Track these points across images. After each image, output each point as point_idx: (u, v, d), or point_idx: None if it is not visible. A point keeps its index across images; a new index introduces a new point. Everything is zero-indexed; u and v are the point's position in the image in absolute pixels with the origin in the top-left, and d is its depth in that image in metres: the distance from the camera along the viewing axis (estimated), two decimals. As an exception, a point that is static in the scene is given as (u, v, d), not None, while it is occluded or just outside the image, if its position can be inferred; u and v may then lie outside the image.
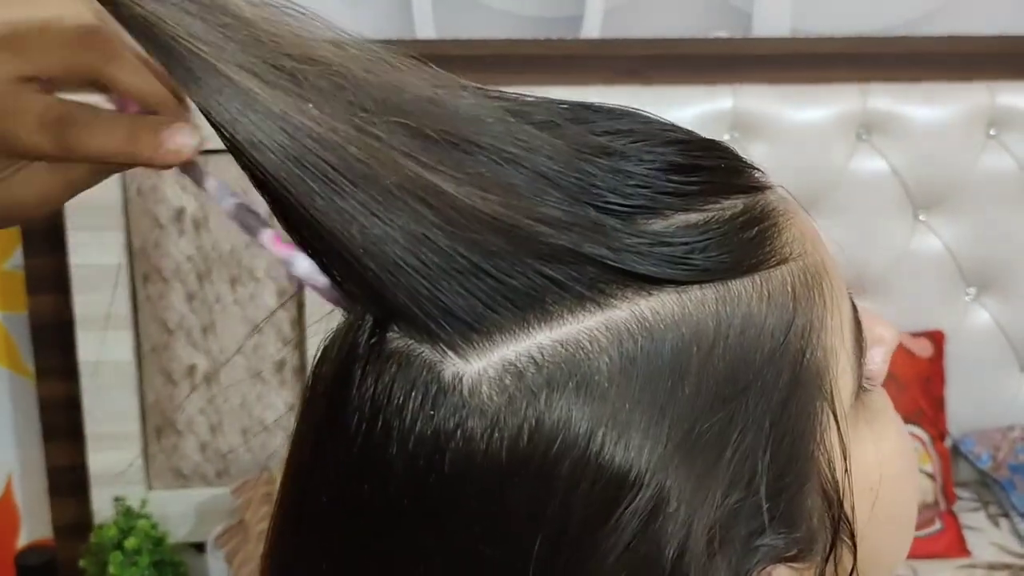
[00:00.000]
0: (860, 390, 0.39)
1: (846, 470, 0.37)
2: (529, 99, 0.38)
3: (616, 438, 0.33)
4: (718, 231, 0.35)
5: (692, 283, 0.35)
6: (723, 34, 1.74)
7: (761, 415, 0.35)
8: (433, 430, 0.33)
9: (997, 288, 1.80)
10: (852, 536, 0.38)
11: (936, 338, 1.77)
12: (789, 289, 0.37)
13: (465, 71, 1.59)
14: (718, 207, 0.36)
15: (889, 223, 1.75)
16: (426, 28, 1.68)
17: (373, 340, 0.34)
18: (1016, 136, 1.74)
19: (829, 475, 0.37)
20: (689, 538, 0.34)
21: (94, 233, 1.60)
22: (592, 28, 1.71)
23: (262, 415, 1.71)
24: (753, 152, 1.69)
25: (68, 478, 1.69)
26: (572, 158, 0.35)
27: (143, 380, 1.67)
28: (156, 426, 1.70)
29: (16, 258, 1.70)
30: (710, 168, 0.37)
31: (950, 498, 1.73)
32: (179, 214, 1.63)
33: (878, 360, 0.40)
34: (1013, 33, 1.78)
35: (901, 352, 1.74)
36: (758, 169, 0.39)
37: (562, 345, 0.33)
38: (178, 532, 1.70)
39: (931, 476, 1.71)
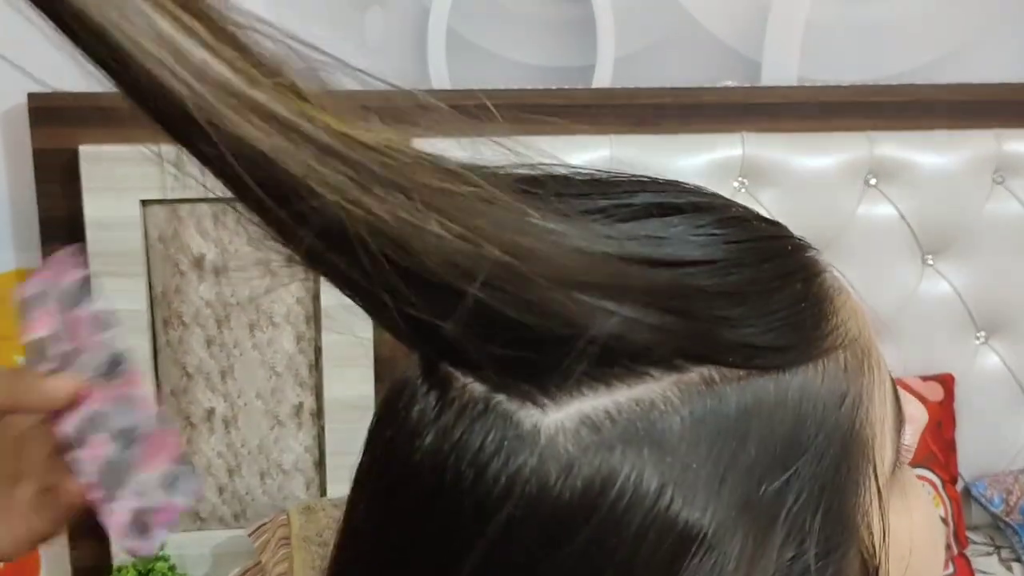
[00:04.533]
0: (897, 462, 0.41)
1: (884, 538, 0.39)
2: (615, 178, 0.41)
3: (684, 495, 0.34)
4: (786, 321, 0.37)
5: (762, 368, 0.37)
6: (732, 83, 1.77)
7: (814, 480, 0.37)
8: (509, 475, 0.34)
9: (1006, 331, 1.81)
10: None
11: (946, 381, 1.77)
12: (842, 364, 0.39)
13: (479, 120, 1.62)
14: (784, 295, 0.38)
15: (898, 268, 1.77)
16: (441, 78, 1.72)
17: (445, 388, 0.36)
18: (1022, 182, 1.76)
19: (868, 542, 0.39)
20: None
21: (116, 279, 1.63)
22: (603, 77, 1.74)
23: (279, 458, 1.73)
24: (762, 199, 1.71)
25: (87, 520, 1.71)
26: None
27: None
28: (175, 469, 1.72)
29: (40, 304, 1.73)
30: (782, 255, 0.39)
31: (962, 542, 1.73)
32: (199, 260, 1.66)
33: (908, 437, 0.42)
34: (1018, 81, 1.80)
35: (912, 396, 1.75)
36: (815, 249, 0.41)
37: (637, 403, 0.35)
38: (196, 574, 1.71)
39: (943, 520, 1.71)
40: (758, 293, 0.37)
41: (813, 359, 0.38)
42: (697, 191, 0.41)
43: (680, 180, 0.42)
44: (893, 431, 0.40)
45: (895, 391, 0.42)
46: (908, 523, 0.41)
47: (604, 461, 0.34)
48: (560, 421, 0.34)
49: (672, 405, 0.35)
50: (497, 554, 0.35)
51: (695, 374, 0.36)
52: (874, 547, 0.39)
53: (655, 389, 0.35)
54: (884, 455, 0.40)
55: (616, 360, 0.35)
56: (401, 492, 0.37)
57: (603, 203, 0.39)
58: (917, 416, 0.44)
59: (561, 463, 0.34)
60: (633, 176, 0.42)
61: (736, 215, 0.40)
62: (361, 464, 0.39)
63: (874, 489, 0.39)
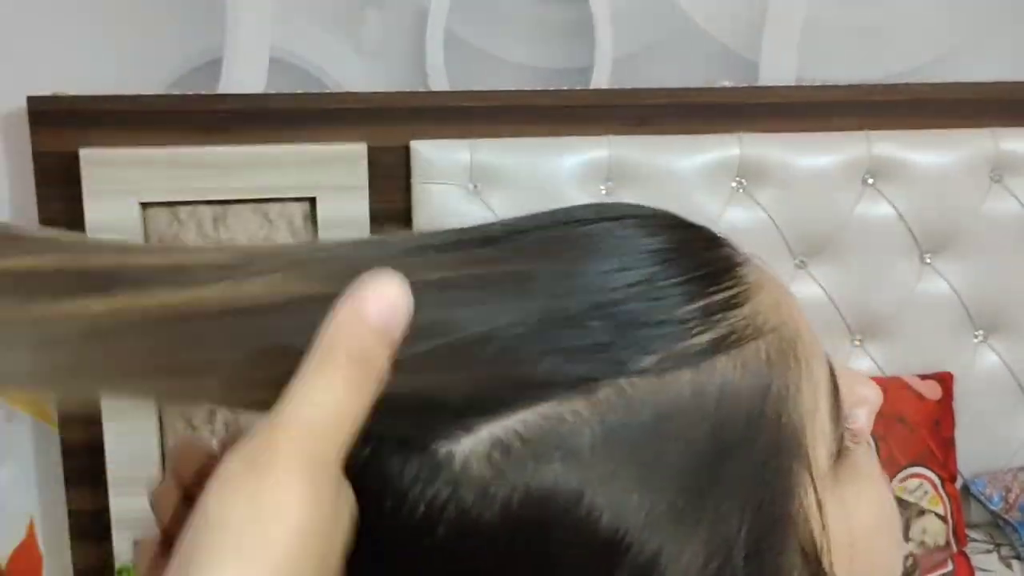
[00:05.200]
0: (840, 450, 0.41)
1: (823, 529, 0.39)
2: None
3: (603, 505, 0.34)
4: (696, 320, 0.37)
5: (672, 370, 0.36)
6: (729, 83, 1.77)
7: (740, 479, 0.36)
8: (427, 503, 0.35)
9: (1005, 330, 1.81)
10: None
11: (945, 380, 1.78)
12: (763, 356, 0.38)
13: (477, 122, 1.66)
14: (695, 293, 0.38)
15: (896, 267, 1.77)
16: (439, 81, 1.72)
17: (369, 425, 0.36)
18: (1020, 180, 1.76)
19: (807, 535, 0.38)
20: None
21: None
22: (601, 78, 1.75)
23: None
24: (760, 198, 1.71)
25: (90, 522, 1.71)
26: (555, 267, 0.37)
27: (164, 425, 1.70)
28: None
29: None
30: (687, 257, 0.39)
31: (962, 540, 1.73)
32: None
33: (862, 419, 0.42)
34: (1016, 79, 1.81)
35: (910, 394, 1.75)
36: (730, 246, 0.41)
37: (545, 419, 0.35)
38: None
39: (942, 518, 1.71)
40: (656, 296, 0.37)
41: (727, 351, 0.37)
42: (604, 207, 0.41)
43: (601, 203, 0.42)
44: (830, 421, 0.40)
45: (833, 379, 0.41)
46: (855, 509, 0.40)
47: (518, 480, 0.34)
48: (472, 447, 0.35)
49: (581, 418, 0.35)
50: None
51: (605, 387, 0.35)
52: (814, 541, 0.38)
53: (564, 404, 0.35)
54: (819, 447, 0.39)
55: (525, 388, 0.35)
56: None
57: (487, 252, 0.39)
58: (871, 397, 0.43)
59: (476, 488, 0.34)
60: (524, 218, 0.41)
61: (641, 223, 0.39)
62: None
63: (809, 483, 0.38)
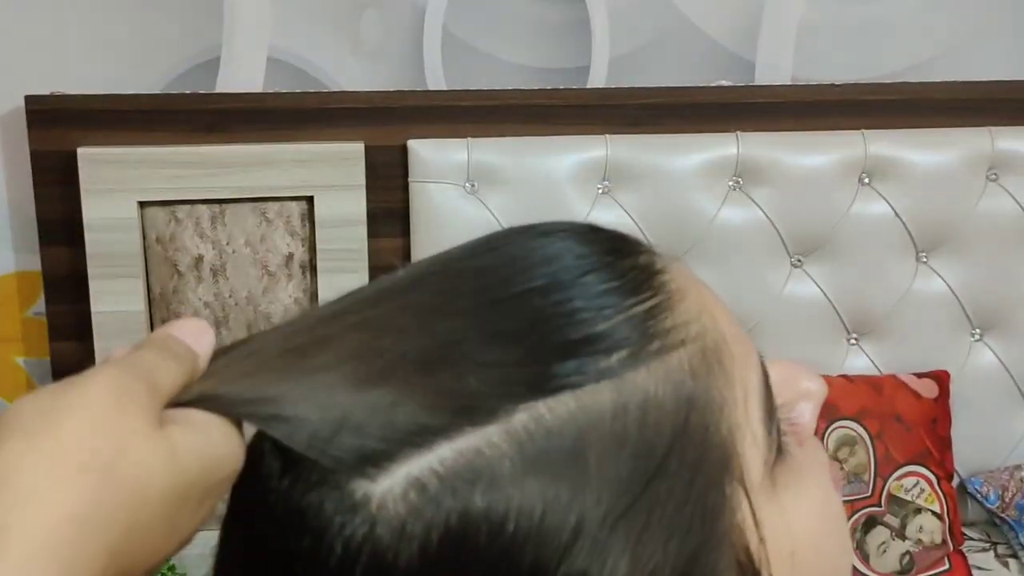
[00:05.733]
0: (777, 456, 0.39)
1: (760, 542, 0.37)
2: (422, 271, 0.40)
3: (525, 535, 0.33)
4: (614, 334, 0.36)
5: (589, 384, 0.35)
6: (726, 83, 1.77)
7: (668, 499, 0.35)
8: (344, 542, 0.34)
9: (1001, 328, 1.81)
10: None
11: (941, 379, 1.78)
12: (686, 367, 0.37)
13: (475, 121, 1.67)
14: (613, 306, 0.37)
15: (892, 265, 1.77)
16: (437, 80, 1.72)
17: (286, 455, 0.36)
18: (1016, 179, 1.76)
19: (743, 548, 0.37)
20: None
21: (114, 281, 1.64)
22: (598, 78, 1.75)
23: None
24: (757, 197, 1.71)
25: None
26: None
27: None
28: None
29: (39, 305, 1.74)
30: (602, 269, 0.38)
31: (958, 538, 1.73)
32: (197, 262, 1.67)
33: (806, 416, 0.41)
34: (1012, 78, 1.81)
35: (906, 393, 1.75)
36: (649, 251, 0.40)
37: (461, 454, 0.34)
38: (196, 574, 1.71)
39: (939, 516, 1.71)
40: (571, 312, 0.36)
41: (647, 362, 0.36)
42: (516, 228, 0.40)
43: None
44: (762, 427, 0.38)
45: (766, 384, 0.39)
46: (794, 517, 0.39)
47: (434, 518, 0.33)
48: (389, 487, 0.34)
49: (498, 449, 0.34)
50: None
51: (522, 414, 0.34)
52: (751, 554, 0.37)
53: (480, 437, 0.34)
54: (750, 457, 0.37)
55: (438, 423, 0.34)
56: (252, 554, 0.36)
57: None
58: (815, 390, 0.42)
59: (393, 528, 0.33)
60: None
61: (552, 237, 0.39)
62: (223, 523, 0.38)
63: (742, 496, 0.37)
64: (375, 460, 0.34)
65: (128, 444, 0.32)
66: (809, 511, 0.40)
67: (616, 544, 0.34)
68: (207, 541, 1.49)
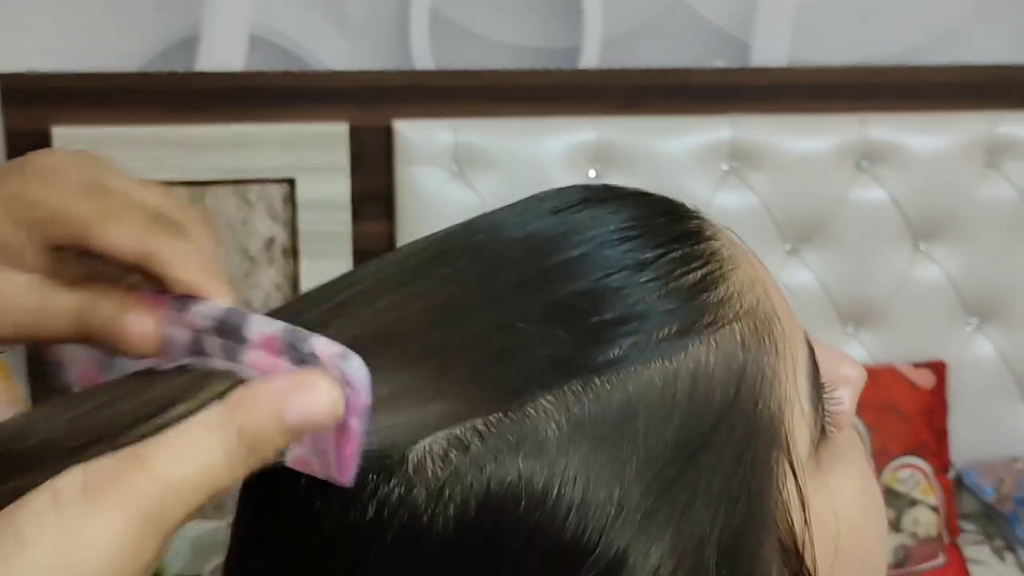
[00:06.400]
0: (821, 436, 0.38)
1: (805, 522, 0.36)
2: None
3: (568, 505, 0.32)
4: (667, 305, 0.35)
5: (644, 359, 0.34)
6: (721, 64, 1.74)
7: (715, 473, 0.34)
8: (377, 506, 0.32)
9: (999, 318, 1.79)
10: None
11: (938, 369, 1.76)
12: (738, 338, 0.36)
13: (462, 102, 1.61)
14: (665, 277, 0.36)
15: (889, 252, 1.75)
16: (424, 59, 1.69)
17: None
18: (1015, 165, 1.74)
19: (787, 528, 0.36)
20: None
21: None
22: (590, 59, 1.72)
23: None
24: (752, 182, 1.68)
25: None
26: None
27: None
28: (152, 458, 1.69)
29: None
30: (653, 237, 0.37)
31: (954, 531, 1.71)
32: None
33: (845, 401, 0.39)
34: (1011, 63, 1.78)
35: (903, 383, 1.73)
36: (699, 217, 0.39)
37: (506, 415, 0.32)
38: (174, 566, 1.68)
39: (934, 509, 1.69)
40: (623, 284, 0.35)
41: (699, 335, 0.35)
42: (562, 194, 0.38)
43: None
44: (809, 405, 0.37)
45: (813, 360, 0.38)
46: (838, 500, 0.38)
47: (476, 481, 0.32)
48: (427, 446, 0.32)
49: (546, 412, 0.32)
50: None
51: (573, 382, 0.33)
52: (795, 533, 0.36)
53: (526, 402, 0.33)
54: (799, 433, 0.36)
55: (485, 382, 0.33)
56: (274, 527, 0.35)
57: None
58: (853, 377, 0.41)
59: (430, 490, 0.32)
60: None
61: (602, 206, 0.37)
62: (240, 496, 0.37)
63: (788, 472, 0.36)
64: (412, 428, 0.32)
65: None
66: (853, 496, 0.39)
67: (660, 519, 0.33)
68: (185, 533, 1.44)
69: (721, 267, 0.36)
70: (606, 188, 0.39)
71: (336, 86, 1.65)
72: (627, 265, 0.35)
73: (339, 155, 1.62)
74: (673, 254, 0.36)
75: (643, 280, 0.35)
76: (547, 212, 0.37)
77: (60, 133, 1.57)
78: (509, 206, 0.39)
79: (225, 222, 1.63)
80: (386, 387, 0.32)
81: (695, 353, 0.34)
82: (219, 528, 1.65)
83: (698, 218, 0.38)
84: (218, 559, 1.61)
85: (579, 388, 0.33)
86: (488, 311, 0.34)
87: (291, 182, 1.63)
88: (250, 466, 0.30)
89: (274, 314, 0.35)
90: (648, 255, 0.36)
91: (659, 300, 0.35)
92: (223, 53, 1.66)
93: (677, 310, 0.35)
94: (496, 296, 0.35)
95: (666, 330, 0.34)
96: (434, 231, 0.39)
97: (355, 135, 1.63)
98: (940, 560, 1.66)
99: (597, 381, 0.33)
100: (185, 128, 1.61)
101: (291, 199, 1.64)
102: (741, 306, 0.36)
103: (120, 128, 1.59)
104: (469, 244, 0.37)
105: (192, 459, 0.29)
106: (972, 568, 1.67)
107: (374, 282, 0.36)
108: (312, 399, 0.30)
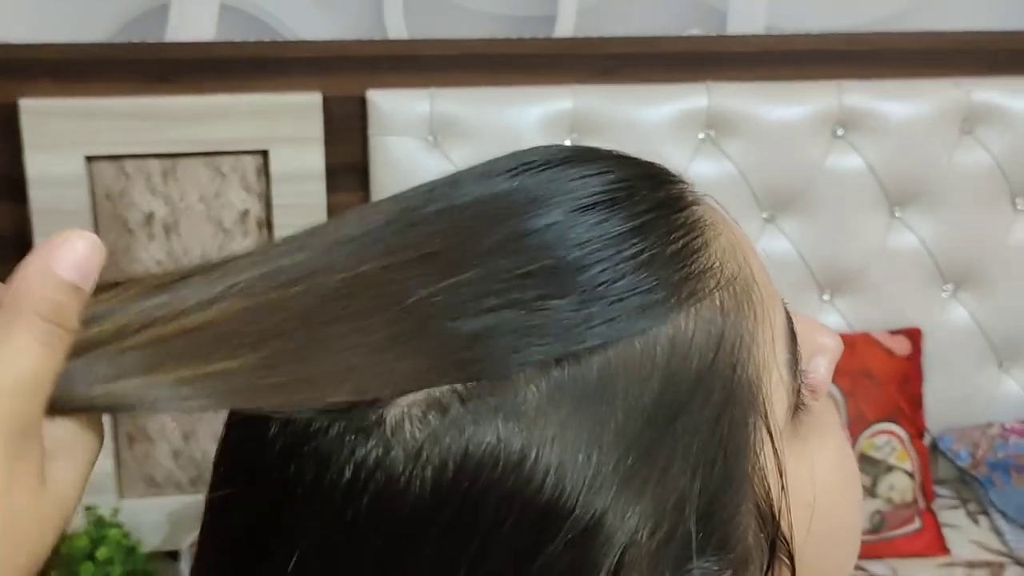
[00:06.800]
0: (798, 404, 0.38)
1: (782, 488, 0.36)
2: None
3: (545, 468, 0.32)
4: (650, 272, 0.35)
5: (626, 330, 0.34)
6: (697, 32, 1.73)
7: (692, 437, 0.34)
8: (354, 467, 0.32)
9: (974, 284, 1.80)
10: (790, 554, 0.37)
11: (914, 335, 1.76)
12: (718, 304, 0.36)
13: (437, 71, 1.59)
14: (648, 242, 0.35)
15: (865, 220, 1.75)
16: (398, 28, 1.67)
17: None
18: (991, 132, 1.74)
19: (764, 494, 0.36)
20: (622, 566, 0.33)
21: (62, 238, 1.58)
22: (566, 27, 1.70)
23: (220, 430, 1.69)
24: (728, 149, 1.68)
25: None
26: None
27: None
28: (128, 434, 1.68)
29: (-17, 265, 1.67)
30: (632, 197, 0.36)
31: (929, 496, 1.72)
32: (149, 219, 1.61)
33: (821, 370, 0.40)
34: (987, 29, 1.78)
35: (879, 350, 1.73)
36: (683, 182, 0.39)
37: (485, 380, 0.32)
38: (151, 541, 1.67)
39: (910, 474, 1.70)
40: (603, 246, 0.35)
41: (681, 303, 0.35)
42: (545, 153, 0.38)
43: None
44: (787, 372, 0.37)
45: (791, 328, 0.39)
46: (813, 467, 0.38)
47: (454, 443, 0.32)
48: (406, 407, 0.32)
49: (526, 375, 0.33)
50: (345, 554, 0.33)
51: (553, 347, 0.33)
52: (771, 499, 0.36)
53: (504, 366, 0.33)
54: (776, 400, 0.37)
55: (464, 350, 0.33)
56: (249, 490, 0.34)
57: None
58: (831, 346, 0.41)
59: (408, 451, 0.32)
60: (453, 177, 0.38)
61: (584, 168, 0.37)
62: (215, 458, 0.37)
63: (766, 438, 0.36)
64: (390, 381, 0.32)
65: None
66: (829, 463, 0.40)
67: (637, 482, 0.33)
68: (162, 507, 1.43)
69: (703, 234, 0.36)
70: (589, 150, 0.39)
71: (309, 56, 1.62)
72: (610, 232, 0.35)
73: (312, 126, 1.60)
74: (656, 221, 0.36)
75: (625, 247, 0.35)
76: (531, 171, 0.37)
77: (28, 105, 1.54)
78: (489, 163, 0.38)
79: (198, 194, 1.61)
80: (365, 337, 0.32)
81: (675, 319, 0.34)
82: (197, 502, 1.64)
83: (681, 182, 0.38)
84: (196, 534, 1.60)
85: (561, 356, 0.33)
86: (469, 272, 0.34)
87: (264, 153, 1.61)
88: (66, 339, 0.30)
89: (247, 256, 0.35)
90: (631, 224, 0.35)
91: (641, 268, 0.35)
92: (193, 22, 1.63)
93: (659, 278, 0.35)
94: (479, 257, 0.34)
95: (647, 298, 0.34)
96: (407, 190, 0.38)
97: (328, 105, 1.61)
98: (916, 525, 1.67)
99: (577, 347, 0.33)
100: (155, 99, 1.58)
101: (264, 170, 1.62)
102: (722, 274, 0.36)
103: (89, 100, 1.57)
104: (453, 204, 0.37)
105: (19, 368, 0.29)
106: (947, 532, 1.68)
107: (360, 232, 0.36)
108: (71, 247, 0.31)
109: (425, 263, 0.34)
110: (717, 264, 0.36)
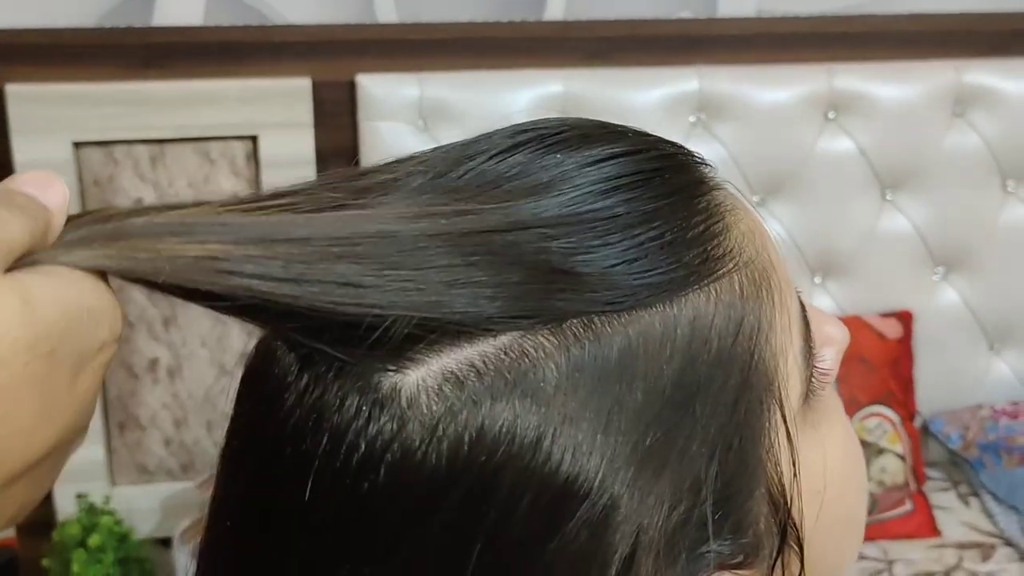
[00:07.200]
0: (809, 392, 0.38)
1: (795, 475, 0.37)
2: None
3: (563, 448, 0.32)
4: (671, 252, 0.35)
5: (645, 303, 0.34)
6: (688, 14, 1.72)
7: (710, 420, 0.34)
8: (369, 440, 0.32)
9: (965, 267, 1.80)
10: (799, 541, 0.37)
11: (905, 318, 1.76)
12: (737, 288, 0.36)
13: (427, 56, 1.58)
14: (670, 223, 0.35)
15: (857, 203, 1.75)
16: (387, 12, 1.66)
17: (304, 352, 0.33)
18: (982, 114, 1.74)
19: (776, 480, 0.36)
20: (638, 548, 0.33)
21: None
22: (556, 10, 1.69)
23: (226, 407, 1.69)
24: (719, 133, 1.67)
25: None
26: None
27: (105, 375, 1.65)
28: (119, 421, 1.67)
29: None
30: (654, 179, 0.36)
31: (920, 478, 1.73)
32: (137, 205, 1.60)
33: (828, 360, 0.40)
34: (978, 10, 1.77)
35: (870, 333, 1.74)
36: (708, 165, 0.39)
37: (506, 352, 0.32)
38: (143, 528, 1.67)
39: (901, 457, 1.71)
40: (626, 225, 0.34)
41: (701, 285, 0.35)
42: (565, 126, 0.37)
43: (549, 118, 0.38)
44: (801, 359, 0.38)
45: (804, 316, 0.39)
46: (822, 456, 0.39)
47: (471, 418, 0.31)
48: (421, 380, 0.32)
49: (545, 351, 0.32)
50: (358, 528, 0.32)
51: (574, 321, 0.33)
52: (783, 485, 0.36)
53: (526, 336, 0.32)
54: (791, 386, 0.37)
55: (481, 317, 0.32)
56: (262, 462, 0.34)
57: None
58: (838, 337, 0.41)
59: (424, 425, 0.32)
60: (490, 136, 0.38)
61: (617, 151, 0.36)
62: (228, 430, 0.36)
63: (780, 424, 0.36)
64: (404, 350, 0.32)
65: None
66: (837, 452, 0.40)
67: (654, 464, 0.33)
68: (154, 494, 1.43)
69: (724, 219, 0.37)
70: (615, 127, 0.39)
71: (298, 40, 1.61)
72: (632, 212, 0.35)
73: (302, 110, 1.59)
74: (680, 204, 0.36)
75: (647, 228, 0.35)
76: (552, 150, 0.37)
77: (14, 91, 1.53)
78: (509, 133, 0.38)
79: (187, 180, 1.60)
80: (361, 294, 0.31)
81: (695, 301, 0.34)
82: (189, 489, 1.63)
83: (705, 165, 0.39)
84: (188, 521, 1.60)
85: (580, 329, 0.33)
86: (493, 245, 0.33)
87: (254, 139, 1.60)
88: (25, 217, 0.29)
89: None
90: (654, 205, 0.35)
91: (662, 249, 0.34)
92: (181, 7, 1.62)
93: (679, 259, 0.35)
94: (503, 228, 0.34)
95: (668, 277, 0.34)
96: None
97: (318, 90, 1.60)
98: (907, 507, 1.68)
99: (598, 323, 0.33)
100: (143, 84, 1.57)
101: (254, 156, 1.61)
102: (741, 257, 0.36)
103: (76, 85, 1.55)
104: (485, 177, 0.36)
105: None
106: (938, 514, 1.69)
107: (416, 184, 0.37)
108: (33, 174, 0.31)
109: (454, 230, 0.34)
110: (736, 249, 0.36)
